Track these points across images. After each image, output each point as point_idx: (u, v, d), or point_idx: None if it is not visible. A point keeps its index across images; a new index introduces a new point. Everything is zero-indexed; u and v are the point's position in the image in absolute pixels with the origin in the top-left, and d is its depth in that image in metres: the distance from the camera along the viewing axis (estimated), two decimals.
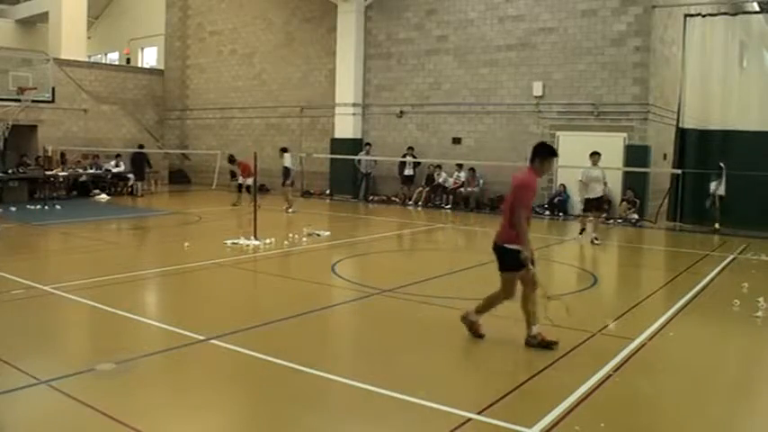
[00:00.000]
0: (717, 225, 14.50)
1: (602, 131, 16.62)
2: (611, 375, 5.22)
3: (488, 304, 6.07)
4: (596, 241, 12.52)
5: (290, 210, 16.49)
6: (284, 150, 17.32)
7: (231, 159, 18.38)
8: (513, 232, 5.76)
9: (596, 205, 12.89)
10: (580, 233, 13.02)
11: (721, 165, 14.70)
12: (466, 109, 18.89)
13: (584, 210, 13.11)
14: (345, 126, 20.85)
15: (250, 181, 16.32)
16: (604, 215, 13.10)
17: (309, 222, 13.98)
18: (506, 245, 5.81)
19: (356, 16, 20.45)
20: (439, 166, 18.82)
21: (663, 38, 17.01)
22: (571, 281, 9.47)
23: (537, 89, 17.56)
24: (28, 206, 16.48)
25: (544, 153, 5.92)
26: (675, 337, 6.49)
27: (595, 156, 12.56)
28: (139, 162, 20.55)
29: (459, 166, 18.45)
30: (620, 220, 15.92)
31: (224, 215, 15.67)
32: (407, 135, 20.05)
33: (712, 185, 14.72)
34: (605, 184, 13.08)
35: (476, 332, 6.11)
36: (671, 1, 16.83)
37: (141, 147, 21.54)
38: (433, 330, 6.58)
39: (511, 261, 5.77)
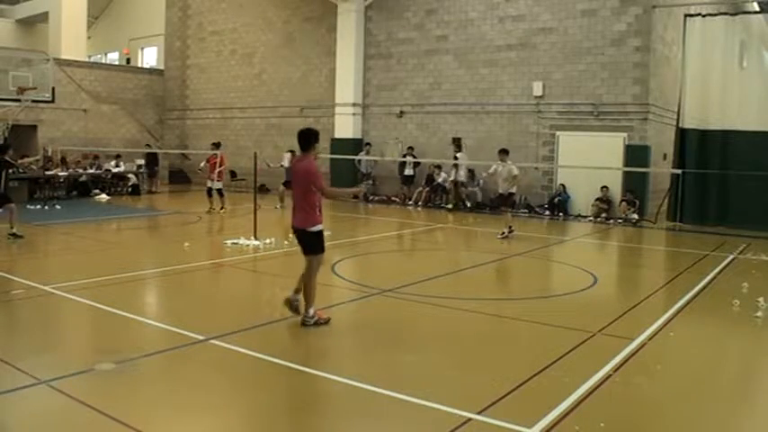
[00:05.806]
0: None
1: (602, 131, 16.63)
2: (611, 375, 5.22)
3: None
4: (501, 236, 12.73)
5: (279, 206, 17.00)
6: (291, 152, 17.53)
7: (217, 145, 17.00)
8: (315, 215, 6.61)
9: (504, 201, 13.29)
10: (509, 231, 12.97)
11: (457, 156, 15.50)
12: (466, 109, 18.88)
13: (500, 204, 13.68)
14: (345, 126, 20.86)
15: (219, 184, 15.98)
16: (513, 210, 13.80)
17: None
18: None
19: (356, 16, 20.44)
20: (439, 167, 18.82)
21: (663, 38, 17.01)
22: (571, 281, 9.46)
23: (537, 89, 17.54)
24: (28, 206, 16.43)
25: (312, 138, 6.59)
26: (675, 337, 6.49)
27: (502, 153, 12.93)
28: (151, 161, 21.88)
29: (456, 167, 18.40)
30: (620, 220, 15.94)
31: (224, 215, 15.64)
32: (407, 135, 20.05)
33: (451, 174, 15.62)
34: (515, 178, 12.95)
35: None
36: (671, 1, 16.82)
37: (149, 146, 23.04)
38: (433, 330, 6.59)
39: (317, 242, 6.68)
